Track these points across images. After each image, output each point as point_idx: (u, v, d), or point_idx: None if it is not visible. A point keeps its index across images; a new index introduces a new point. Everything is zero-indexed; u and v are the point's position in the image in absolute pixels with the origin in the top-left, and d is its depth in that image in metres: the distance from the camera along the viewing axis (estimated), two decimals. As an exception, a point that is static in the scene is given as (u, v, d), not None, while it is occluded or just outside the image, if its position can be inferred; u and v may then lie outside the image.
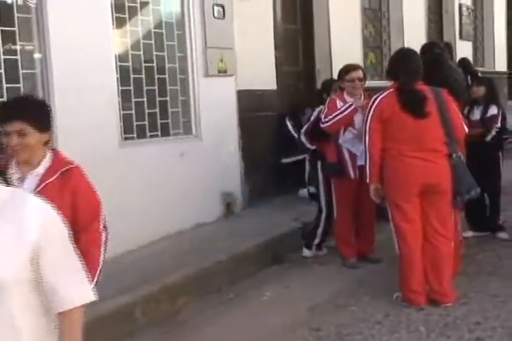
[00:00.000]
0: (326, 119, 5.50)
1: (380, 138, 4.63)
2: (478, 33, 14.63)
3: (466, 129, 4.79)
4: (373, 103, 4.68)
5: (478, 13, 14.65)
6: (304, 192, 7.27)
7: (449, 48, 6.97)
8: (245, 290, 5.13)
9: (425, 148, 4.57)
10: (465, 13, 13.01)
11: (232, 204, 6.71)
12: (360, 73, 5.54)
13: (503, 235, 6.23)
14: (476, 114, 6.15)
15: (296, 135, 7.52)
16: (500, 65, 15.12)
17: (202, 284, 4.98)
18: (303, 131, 5.87)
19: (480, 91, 6.18)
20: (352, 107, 5.45)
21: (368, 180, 4.74)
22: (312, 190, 6.98)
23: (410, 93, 4.59)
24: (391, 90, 4.67)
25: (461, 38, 12.77)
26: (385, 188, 4.70)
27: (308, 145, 5.89)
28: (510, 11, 16.12)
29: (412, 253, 4.65)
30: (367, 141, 4.68)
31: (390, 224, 4.77)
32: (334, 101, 5.61)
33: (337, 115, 5.47)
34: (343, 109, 5.47)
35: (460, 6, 12.83)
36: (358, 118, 5.45)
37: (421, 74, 4.71)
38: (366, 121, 4.70)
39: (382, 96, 4.67)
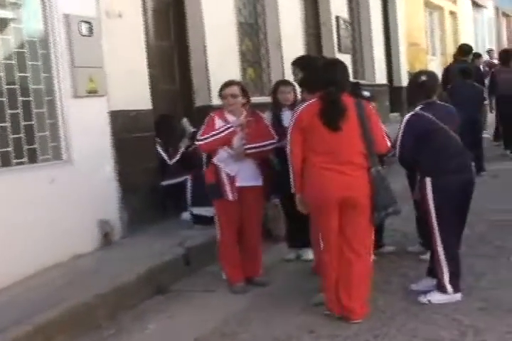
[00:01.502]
0: (202, 137, 5.52)
1: (301, 148, 4.76)
2: (357, 45, 15.18)
3: (389, 143, 4.92)
4: (295, 113, 4.83)
5: (356, 25, 15.21)
6: (186, 215, 7.25)
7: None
8: (127, 324, 5.04)
9: (342, 161, 4.69)
10: (342, 26, 13.46)
11: (110, 232, 6.58)
12: (233, 89, 5.59)
13: (388, 249, 6.43)
14: None
15: (168, 160, 7.54)
16: (380, 78, 15.72)
17: (80, 321, 4.84)
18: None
19: None
20: (230, 129, 5.51)
21: (292, 190, 4.85)
22: (197, 211, 6.98)
23: (330, 104, 4.71)
24: (314, 100, 4.80)
25: (340, 51, 13.19)
26: (306, 199, 4.82)
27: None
28: (386, 22, 16.83)
29: (332, 264, 4.79)
30: (288, 151, 4.82)
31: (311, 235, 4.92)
32: (213, 118, 5.63)
33: (214, 135, 5.50)
34: (221, 129, 5.51)
35: (337, 18, 13.27)
36: (236, 139, 5.51)
37: (346, 85, 4.87)
38: (288, 131, 4.84)
39: (304, 106, 4.82)
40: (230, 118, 5.62)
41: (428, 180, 4.96)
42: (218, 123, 5.59)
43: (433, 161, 4.98)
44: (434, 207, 4.96)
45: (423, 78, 5.17)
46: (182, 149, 7.63)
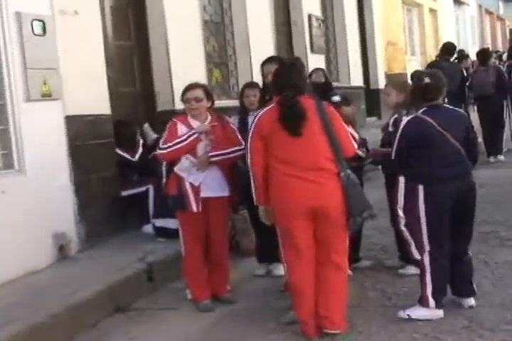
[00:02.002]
0: (165, 146, 5.55)
1: (263, 156, 4.81)
2: (331, 45, 15.31)
3: (356, 146, 5.04)
4: (254, 119, 4.89)
5: (330, 24, 15.35)
6: (148, 227, 7.26)
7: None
8: (85, 346, 5.05)
9: (307, 168, 4.73)
10: (315, 24, 13.58)
11: (66, 246, 6.57)
12: (196, 93, 5.63)
13: (365, 263, 6.50)
14: None
15: (131, 158, 7.56)
16: (356, 80, 15.85)
17: (33, 343, 4.84)
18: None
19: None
20: (194, 136, 5.55)
21: (255, 202, 4.91)
22: (160, 223, 7.00)
23: (288, 109, 4.77)
24: (273, 105, 4.88)
25: (312, 51, 13.30)
26: (272, 211, 4.87)
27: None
28: (362, 20, 16.99)
29: (300, 283, 4.84)
30: (249, 160, 4.87)
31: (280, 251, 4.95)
32: (175, 124, 5.67)
33: (177, 143, 5.53)
34: (184, 137, 5.55)
35: (309, 16, 13.37)
36: (200, 146, 5.57)
37: (304, 87, 4.93)
38: (248, 139, 4.90)
39: (262, 111, 4.90)
40: (194, 123, 5.66)
41: (420, 188, 5.04)
42: (181, 129, 5.62)
43: (427, 168, 5.06)
44: (425, 216, 5.05)
45: (426, 80, 5.19)
46: (140, 142, 7.69)
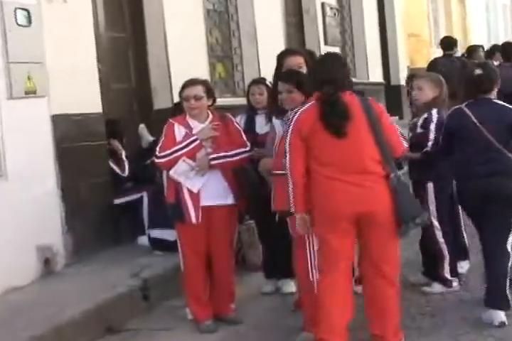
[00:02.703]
0: (162, 154, 5.54)
1: (303, 158, 4.86)
2: (347, 37, 15.30)
3: (406, 145, 5.08)
4: (293, 117, 4.94)
5: (346, 13, 15.34)
6: (143, 239, 7.26)
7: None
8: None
9: (354, 171, 4.79)
10: (329, 13, 13.57)
11: (51, 260, 6.57)
12: (196, 90, 5.62)
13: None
14: None
15: (121, 174, 7.56)
16: (375, 75, 15.82)
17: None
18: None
19: None
20: (196, 143, 5.53)
21: (292, 209, 4.92)
22: (156, 234, 6.99)
23: (329, 106, 4.82)
24: (313, 102, 4.92)
25: (326, 43, 13.29)
26: (311, 219, 4.91)
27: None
28: (381, 9, 16.98)
29: (323, 296, 4.86)
30: (287, 162, 4.91)
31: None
32: (172, 126, 5.66)
33: (176, 151, 5.51)
34: (184, 143, 5.53)
35: (323, 5, 13.37)
36: (202, 153, 5.56)
37: (347, 82, 4.99)
38: (286, 139, 4.94)
39: (302, 109, 4.93)
40: (194, 124, 5.65)
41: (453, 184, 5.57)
42: (179, 132, 5.61)
43: (458, 164, 5.47)
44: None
45: (478, 71, 5.41)
46: (124, 156, 7.67)
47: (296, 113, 4.95)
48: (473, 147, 5.34)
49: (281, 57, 6.16)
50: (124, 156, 7.70)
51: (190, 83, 5.70)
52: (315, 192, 4.86)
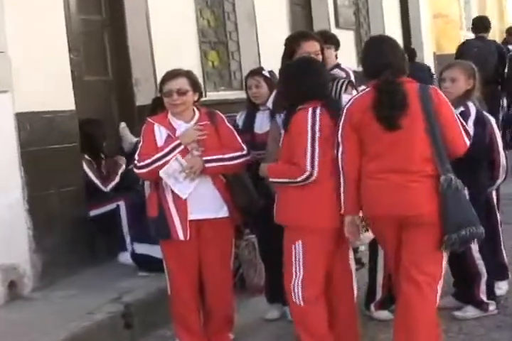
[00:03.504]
0: (142, 163, 5.51)
1: (357, 150, 5.05)
2: (362, 18, 15.33)
3: (467, 142, 5.14)
4: (346, 105, 5.14)
5: (361, -10, 15.39)
6: (125, 256, 7.28)
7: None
8: None
9: (400, 169, 4.94)
10: (341, -10, 13.61)
11: (17, 282, 6.60)
12: (179, 82, 5.58)
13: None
14: None
15: (96, 180, 7.56)
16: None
17: None
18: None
19: None
20: (180, 148, 5.51)
21: (341, 210, 5.10)
22: (141, 250, 6.99)
23: (387, 96, 4.96)
24: (368, 89, 5.10)
25: (337, 25, 13.32)
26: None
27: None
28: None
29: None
30: (339, 156, 5.07)
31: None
32: (151, 127, 5.64)
33: (158, 159, 5.49)
34: (166, 150, 5.50)
35: (334, -19, 13.42)
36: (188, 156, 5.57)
37: (404, 68, 5.15)
38: (338, 129, 5.09)
39: (356, 97, 5.18)
40: (177, 124, 5.63)
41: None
42: (160, 134, 5.60)
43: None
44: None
45: None
46: (121, 170, 7.67)
47: (349, 101, 5.15)
48: None
49: (293, 42, 6.09)
50: (120, 170, 7.71)
51: (172, 75, 5.66)
52: (362, 194, 5.05)
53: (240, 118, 6.43)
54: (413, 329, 4.93)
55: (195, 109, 5.72)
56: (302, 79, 5.27)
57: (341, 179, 5.06)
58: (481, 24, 12.73)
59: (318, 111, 5.15)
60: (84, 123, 7.63)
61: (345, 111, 5.07)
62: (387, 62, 5.04)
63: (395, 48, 5.24)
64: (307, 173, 5.08)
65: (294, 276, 5.22)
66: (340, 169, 5.06)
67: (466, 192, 5.37)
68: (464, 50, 11.82)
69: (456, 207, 4.88)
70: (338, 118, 5.06)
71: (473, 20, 13.50)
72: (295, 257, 5.21)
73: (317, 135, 5.11)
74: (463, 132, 5.12)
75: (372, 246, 6.09)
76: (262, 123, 6.27)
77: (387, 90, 4.97)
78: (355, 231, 5.12)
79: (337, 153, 5.08)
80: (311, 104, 5.19)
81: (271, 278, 6.49)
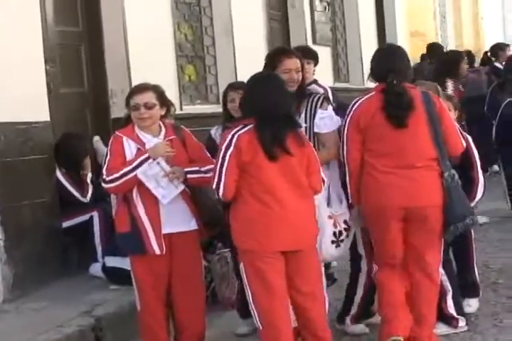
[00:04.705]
0: (111, 177, 5.45)
1: (360, 150, 5.56)
2: (339, 34, 15.36)
3: (464, 144, 5.75)
4: (352, 107, 5.65)
5: (338, 7, 15.42)
6: (96, 267, 7.25)
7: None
8: None
9: (406, 164, 5.49)
10: (319, 7, 13.65)
11: (-13, 295, 6.56)
12: (146, 96, 5.57)
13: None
14: None
15: (75, 193, 7.53)
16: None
17: None
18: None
19: None
20: (149, 162, 5.46)
21: (350, 201, 5.73)
22: (112, 263, 6.96)
23: (395, 97, 5.50)
24: (373, 93, 5.64)
25: (314, 42, 13.31)
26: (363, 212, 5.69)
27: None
28: (380, 3, 17.07)
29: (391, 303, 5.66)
30: (344, 154, 5.64)
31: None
32: (119, 140, 5.59)
33: (126, 174, 5.44)
34: (135, 164, 5.45)
35: (311, -3, 13.44)
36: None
37: (409, 75, 5.73)
38: (343, 130, 5.64)
39: (362, 99, 5.64)
40: (146, 138, 5.60)
41: None
42: (129, 147, 5.56)
43: None
44: None
45: None
46: (89, 178, 7.64)
47: (354, 105, 5.62)
48: None
49: (275, 58, 6.04)
50: (89, 179, 7.67)
51: (139, 89, 5.65)
52: (366, 185, 5.55)
53: (217, 132, 6.41)
54: (424, 310, 5.62)
55: (162, 124, 5.70)
56: (248, 95, 5.43)
57: (347, 174, 5.61)
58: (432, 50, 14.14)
59: (241, 132, 5.20)
60: (66, 136, 7.61)
61: (351, 114, 5.56)
62: (392, 67, 5.56)
63: (403, 56, 5.77)
64: (219, 193, 5.20)
65: (248, 299, 5.35)
66: (347, 167, 5.59)
67: None
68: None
69: (459, 199, 5.49)
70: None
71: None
72: (244, 280, 5.38)
73: (228, 156, 5.16)
74: (459, 134, 5.71)
75: (354, 260, 6.24)
76: None
77: (394, 92, 5.49)
78: (358, 218, 5.68)
79: (342, 152, 5.61)
80: (243, 122, 5.28)
81: (243, 294, 6.47)
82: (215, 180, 5.15)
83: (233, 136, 5.18)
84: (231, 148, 5.14)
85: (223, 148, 5.17)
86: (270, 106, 5.20)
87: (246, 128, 5.20)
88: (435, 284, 5.69)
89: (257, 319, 5.27)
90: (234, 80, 9.56)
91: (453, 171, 5.51)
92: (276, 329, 5.18)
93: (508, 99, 7.99)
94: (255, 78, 5.47)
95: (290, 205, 5.18)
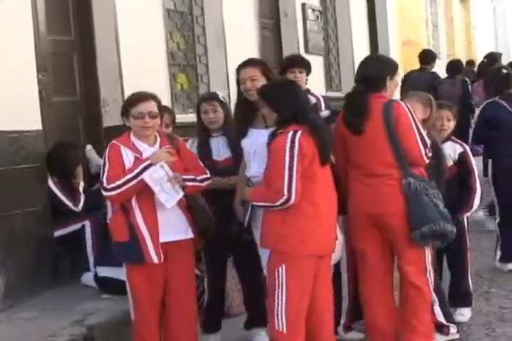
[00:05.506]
0: (112, 185, 5.39)
1: (345, 160, 5.76)
2: (332, 44, 15.39)
3: (424, 151, 5.66)
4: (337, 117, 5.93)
5: (330, 16, 15.44)
6: (88, 276, 7.23)
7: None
8: None
9: (369, 172, 5.67)
10: (311, 16, 13.66)
11: (-22, 304, 6.54)
12: (151, 105, 5.55)
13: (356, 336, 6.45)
14: None
15: (68, 202, 7.52)
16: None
17: None
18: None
19: None
20: (150, 169, 5.41)
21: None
22: (104, 273, 6.94)
23: (348, 105, 5.75)
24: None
25: (307, 51, 13.33)
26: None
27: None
28: (372, 12, 17.10)
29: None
30: (334, 162, 5.73)
31: None
32: (117, 149, 5.56)
33: (129, 180, 5.39)
34: (137, 170, 5.40)
35: (303, 6, 13.45)
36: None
37: (381, 84, 5.73)
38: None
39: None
40: (143, 147, 5.58)
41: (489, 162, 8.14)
42: (128, 157, 5.53)
43: (496, 145, 8.02)
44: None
45: (504, 71, 7.98)
46: (82, 187, 7.63)
47: (338, 114, 5.88)
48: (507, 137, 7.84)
49: (237, 70, 6.11)
50: (81, 188, 7.66)
51: (144, 97, 5.59)
52: (349, 195, 5.71)
53: (192, 145, 6.37)
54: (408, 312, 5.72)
55: (157, 133, 5.70)
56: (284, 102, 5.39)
57: None
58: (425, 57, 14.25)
59: (298, 136, 5.19)
60: (58, 145, 7.60)
61: (336, 124, 5.80)
62: (359, 76, 5.81)
63: (377, 65, 5.83)
64: (285, 197, 5.12)
65: (276, 301, 5.22)
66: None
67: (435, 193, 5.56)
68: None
69: (416, 206, 5.51)
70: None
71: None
72: (278, 281, 5.22)
73: (295, 160, 5.14)
74: (420, 142, 5.64)
75: (336, 271, 6.15)
76: (219, 150, 6.28)
77: (348, 100, 5.79)
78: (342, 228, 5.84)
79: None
80: (291, 127, 5.25)
81: (215, 309, 6.48)
82: (285, 185, 5.11)
83: (293, 141, 5.16)
84: (295, 154, 5.14)
85: (287, 154, 5.13)
86: (309, 110, 5.46)
87: (299, 134, 5.19)
88: (422, 294, 5.72)
89: (283, 322, 5.19)
90: (226, 89, 9.59)
91: (411, 179, 5.54)
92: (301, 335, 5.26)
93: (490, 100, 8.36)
94: (279, 84, 5.67)
95: (329, 210, 5.35)
